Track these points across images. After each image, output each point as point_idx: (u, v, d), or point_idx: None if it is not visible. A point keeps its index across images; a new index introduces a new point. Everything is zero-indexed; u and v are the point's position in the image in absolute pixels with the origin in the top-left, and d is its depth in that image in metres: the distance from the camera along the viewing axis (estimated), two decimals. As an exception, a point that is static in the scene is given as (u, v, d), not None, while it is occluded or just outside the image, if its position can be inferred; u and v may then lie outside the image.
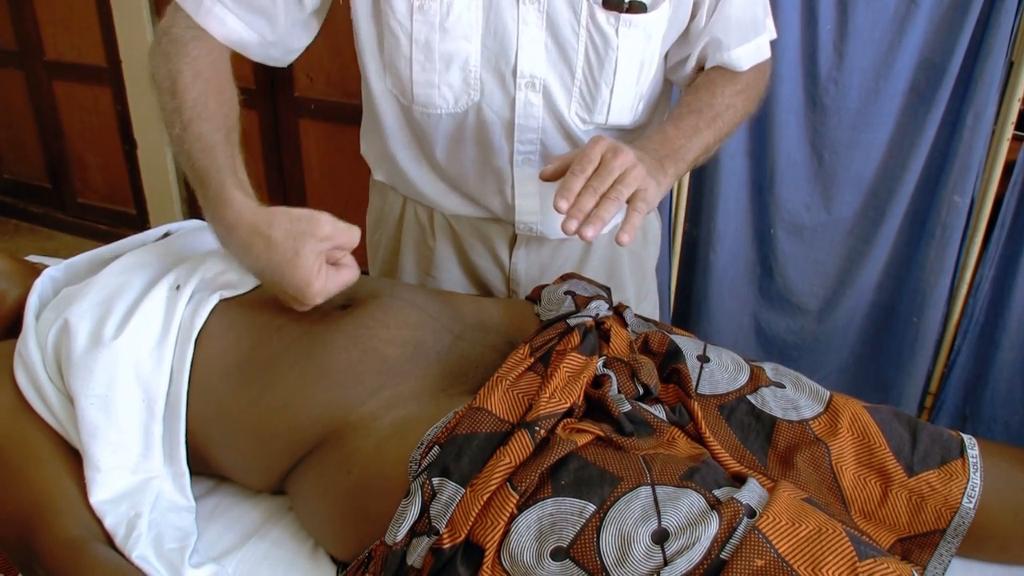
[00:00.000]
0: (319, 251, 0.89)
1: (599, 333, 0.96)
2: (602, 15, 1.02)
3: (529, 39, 1.03)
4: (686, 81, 1.19)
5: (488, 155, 1.12)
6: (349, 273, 0.94)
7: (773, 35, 1.19)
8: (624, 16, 1.02)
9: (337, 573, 0.89)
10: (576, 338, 0.92)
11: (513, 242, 1.25)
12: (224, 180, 0.93)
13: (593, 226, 0.88)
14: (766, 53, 1.18)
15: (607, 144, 0.92)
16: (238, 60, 1.12)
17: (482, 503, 0.77)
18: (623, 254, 1.31)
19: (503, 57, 1.04)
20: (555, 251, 1.26)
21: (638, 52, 1.06)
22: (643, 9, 1.02)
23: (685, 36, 1.12)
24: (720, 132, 1.10)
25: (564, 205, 0.89)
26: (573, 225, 0.88)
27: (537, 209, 1.17)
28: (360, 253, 1.39)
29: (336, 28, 1.16)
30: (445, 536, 0.77)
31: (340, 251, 0.93)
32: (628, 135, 1.17)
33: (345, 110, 2.75)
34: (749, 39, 1.13)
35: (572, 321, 0.95)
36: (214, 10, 1.03)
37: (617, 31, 1.03)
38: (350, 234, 0.91)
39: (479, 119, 1.09)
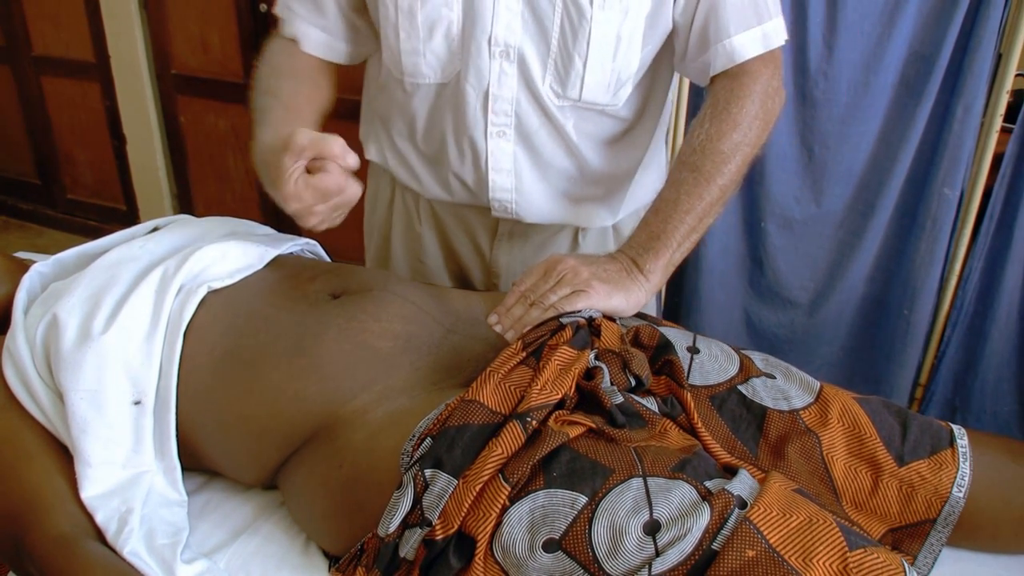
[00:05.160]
0: (292, 160, 0.93)
1: (591, 330, 0.97)
2: None
3: (505, 7, 1.03)
4: (701, 77, 1.14)
5: (464, 127, 1.13)
6: (328, 178, 0.94)
7: (784, 36, 1.12)
8: None
9: (329, 567, 0.89)
10: (568, 333, 0.92)
11: (494, 234, 1.25)
12: (257, 131, 1.05)
13: (515, 331, 0.98)
14: (775, 40, 1.10)
15: (549, 260, 1.03)
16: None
17: (474, 494, 0.77)
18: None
19: (480, 24, 1.05)
20: (539, 248, 1.26)
21: (614, 26, 1.04)
22: None
23: (682, 23, 1.09)
24: (716, 185, 1.05)
25: (494, 319, 1.01)
26: (498, 327, 1.00)
27: (511, 187, 1.17)
28: (357, 237, 1.43)
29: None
30: (437, 527, 0.77)
31: (320, 160, 0.95)
32: (611, 120, 1.16)
33: (338, 106, 2.74)
34: (751, 24, 1.08)
35: (565, 319, 0.95)
36: (285, 12, 1.18)
37: (592, 3, 1.02)
38: (327, 143, 0.93)
39: (457, 89, 1.10)
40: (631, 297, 1.02)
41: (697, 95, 1.94)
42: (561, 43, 1.06)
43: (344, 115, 2.72)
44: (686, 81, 1.94)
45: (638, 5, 1.05)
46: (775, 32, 1.11)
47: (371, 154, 1.31)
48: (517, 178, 1.17)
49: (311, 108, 1.14)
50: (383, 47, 1.13)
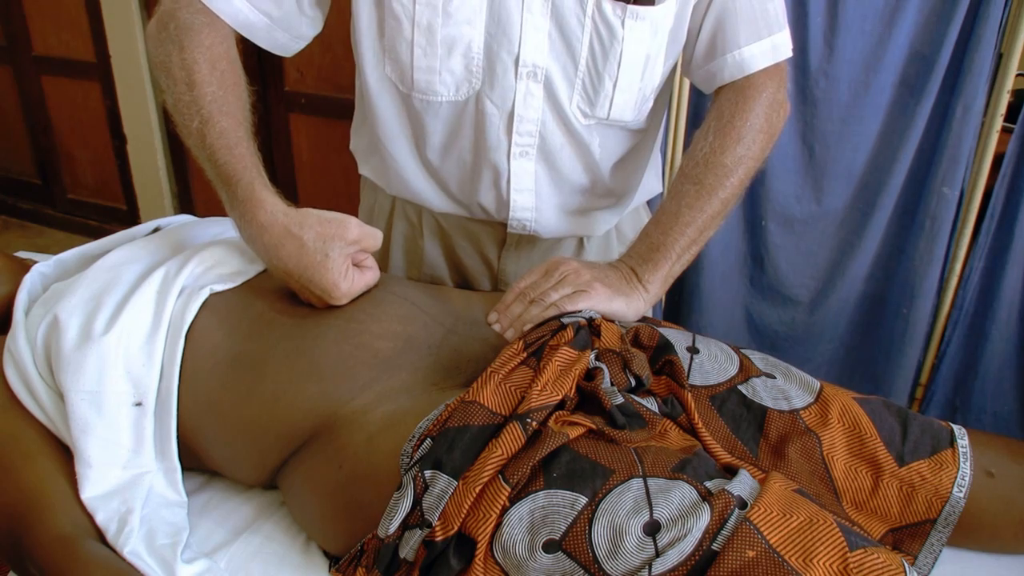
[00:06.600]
0: (347, 254, 0.96)
1: (591, 331, 0.97)
2: (609, 6, 1.01)
3: (533, 27, 1.02)
4: (705, 84, 1.15)
5: (485, 147, 1.11)
6: (372, 274, 1.01)
7: (790, 49, 1.12)
8: (631, 8, 1.01)
9: (329, 567, 0.89)
10: (569, 334, 0.92)
11: (502, 245, 1.24)
12: (254, 180, 0.98)
13: (514, 330, 0.98)
14: (783, 53, 1.10)
15: (550, 261, 1.03)
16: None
17: (474, 495, 0.77)
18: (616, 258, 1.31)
19: (506, 44, 1.03)
20: (545, 254, 1.25)
21: (644, 46, 1.05)
22: (650, 1, 1.02)
23: (690, 30, 1.10)
24: (717, 198, 1.05)
25: (493, 317, 1.01)
26: (497, 325, 1.01)
27: (532, 205, 1.16)
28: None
29: (327, 23, 1.15)
30: (437, 528, 0.77)
31: (363, 253, 0.99)
32: (629, 133, 1.16)
33: (336, 104, 2.74)
34: (762, 35, 1.08)
35: (566, 320, 0.95)
36: None
37: (623, 23, 1.02)
38: (375, 238, 0.99)
39: (478, 109, 1.08)
40: (632, 304, 1.02)
41: (697, 101, 1.94)
42: (590, 63, 1.05)
43: (336, 113, 2.74)
44: (686, 86, 1.94)
45: (664, 22, 1.04)
46: (784, 44, 1.11)
47: (366, 171, 1.29)
48: (538, 197, 1.16)
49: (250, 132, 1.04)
50: (387, 60, 1.09)
